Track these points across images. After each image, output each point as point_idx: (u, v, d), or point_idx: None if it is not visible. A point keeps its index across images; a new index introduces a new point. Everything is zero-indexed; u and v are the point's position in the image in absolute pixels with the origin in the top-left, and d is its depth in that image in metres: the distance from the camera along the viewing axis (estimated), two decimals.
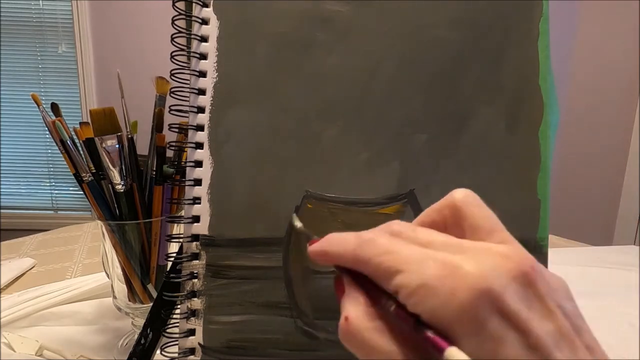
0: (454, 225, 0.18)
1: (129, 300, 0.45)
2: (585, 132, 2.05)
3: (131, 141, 0.42)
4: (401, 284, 0.16)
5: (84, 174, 0.42)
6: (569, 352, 0.14)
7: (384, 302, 0.17)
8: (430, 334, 0.15)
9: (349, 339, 0.17)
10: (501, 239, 0.17)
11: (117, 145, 0.41)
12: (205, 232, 0.32)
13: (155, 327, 0.34)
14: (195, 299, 0.33)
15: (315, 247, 0.20)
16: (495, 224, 0.18)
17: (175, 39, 0.32)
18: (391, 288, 0.16)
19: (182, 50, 0.32)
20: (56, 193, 2.37)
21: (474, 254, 0.15)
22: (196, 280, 0.33)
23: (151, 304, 0.35)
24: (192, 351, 0.32)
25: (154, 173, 0.43)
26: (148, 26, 2.09)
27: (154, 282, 0.45)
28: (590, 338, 0.16)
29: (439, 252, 0.16)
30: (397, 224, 0.19)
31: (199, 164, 0.32)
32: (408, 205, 0.33)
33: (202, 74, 0.33)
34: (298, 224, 0.30)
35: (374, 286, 0.17)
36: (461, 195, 0.18)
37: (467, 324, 0.14)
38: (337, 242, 0.19)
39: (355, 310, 0.17)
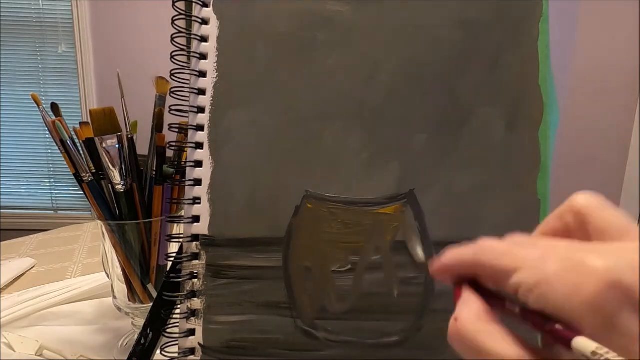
0: (579, 230, 0.18)
1: (129, 300, 0.45)
2: (585, 132, 2.05)
3: (131, 141, 0.42)
4: (519, 281, 0.15)
5: (84, 174, 0.42)
6: None
7: (507, 306, 0.17)
8: (557, 326, 0.14)
9: (456, 339, 0.17)
10: (635, 237, 0.16)
11: (117, 145, 0.41)
12: (205, 232, 0.32)
13: (155, 327, 0.34)
14: (195, 299, 0.33)
15: (435, 266, 0.20)
16: (625, 224, 0.17)
17: (175, 39, 0.32)
18: (510, 287, 0.16)
19: (182, 50, 0.32)
20: (56, 193, 2.37)
21: (600, 251, 0.15)
22: (196, 280, 0.33)
23: (151, 304, 0.35)
24: (192, 351, 0.32)
25: (154, 173, 0.43)
26: (148, 26, 2.09)
27: (154, 282, 0.45)
28: None
29: (560, 251, 0.15)
30: (518, 235, 0.18)
31: (199, 164, 0.32)
32: (408, 205, 0.33)
33: (202, 74, 0.33)
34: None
35: (494, 294, 0.17)
36: (584, 200, 0.18)
37: (594, 319, 0.13)
38: (454, 254, 0.19)
39: (467, 311, 0.17)
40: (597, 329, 0.13)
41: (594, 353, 0.13)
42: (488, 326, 0.16)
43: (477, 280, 0.18)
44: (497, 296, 0.17)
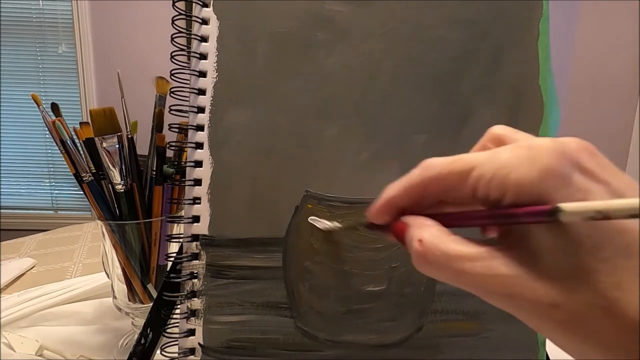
0: None
1: (129, 300, 0.45)
2: (586, 132, 2.05)
3: (131, 141, 0.42)
4: (480, 174, 0.16)
5: (84, 174, 0.42)
6: None
7: (458, 215, 0.18)
8: (529, 207, 0.15)
9: (427, 259, 0.17)
10: None
11: (117, 145, 0.41)
12: (205, 232, 0.32)
13: (155, 327, 0.34)
14: (195, 299, 0.33)
15: (377, 204, 0.20)
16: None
17: (175, 39, 0.32)
18: (469, 186, 0.17)
19: (182, 50, 0.32)
20: (56, 193, 2.36)
21: (539, 140, 0.16)
22: (196, 280, 0.33)
23: (151, 304, 0.35)
24: (192, 351, 0.32)
25: (154, 173, 0.43)
26: (148, 26, 2.09)
27: (154, 282, 0.45)
28: None
29: (505, 146, 0.17)
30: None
31: (199, 164, 0.32)
32: None
33: (202, 74, 0.33)
34: (336, 224, 0.31)
35: (438, 216, 0.18)
36: (499, 127, 0.19)
37: (554, 181, 0.15)
38: (398, 183, 0.19)
39: (427, 231, 0.18)
40: (557, 188, 0.15)
41: (598, 212, 0.13)
42: (451, 237, 0.17)
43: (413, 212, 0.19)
44: (436, 217, 0.18)
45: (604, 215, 0.13)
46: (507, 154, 0.16)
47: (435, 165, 0.18)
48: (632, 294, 0.14)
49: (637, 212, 0.13)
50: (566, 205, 0.14)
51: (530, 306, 0.16)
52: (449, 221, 0.18)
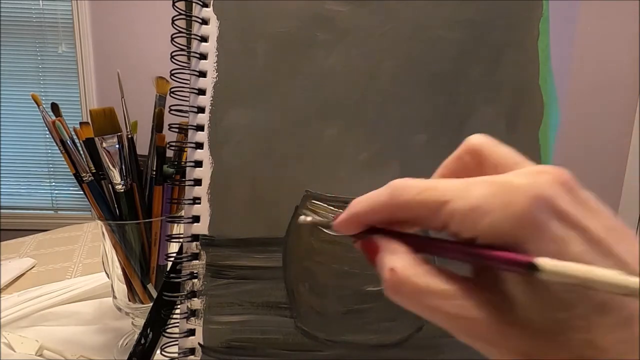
0: (476, 169, 0.18)
1: (129, 300, 0.45)
2: (586, 131, 2.05)
3: (131, 141, 0.42)
4: (451, 211, 0.15)
5: (84, 174, 0.42)
6: (627, 245, 0.14)
7: (431, 243, 0.17)
8: (504, 253, 0.14)
9: (399, 290, 0.16)
10: (529, 165, 0.17)
11: (117, 145, 0.41)
12: (205, 232, 0.32)
13: (155, 327, 0.34)
14: (195, 299, 0.33)
15: (342, 217, 0.19)
16: (517, 157, 0.17)
17: (175, 39, 0.32)
18: (440, 221, 0.16)
19: (182, 50, 0.32)
20: (56, 193, 2.36)
21: (518, 174, 0.15)
22: (196, 280, 0.33)
23: (151, 304, 0.35)
24: (192, 351, 0.32)
25: (154, 173, 0.43)
26: (148, 26, 2.09)
27: (154, 282, 0.45)
28: (636, 236, 0.15)
29: (480, 179, 0.16)
30: (418, 179, 0.18)
31: (199, 164, 0.32)
32: None
33: (202, 74, 0.33)
34: (307, 218, 0.30)
35: (411, 238, 0.17)
36: (478, 138, 0.18)
37: (529, 230, 0.14)
38: (365, 200, 0.18)
39: (399, 259, 0.17)
40: (531, 239, 0.14)
41: (577, 279, 0.13)
42: (424, 268, 0.16)
43: (383, 228, 0.18)
44: (408, 240, 0.17)
45: (583, 285, 0.13)
46: (480, 190, 0.15)
47: (405, 192, 0.17)
48: (605, 352, 0.14)
49: (618, 290, 0.12)
50: (544, 264, 0.13)
51: (501, 353, 0.15)
52: (422, 246, 0.17)
